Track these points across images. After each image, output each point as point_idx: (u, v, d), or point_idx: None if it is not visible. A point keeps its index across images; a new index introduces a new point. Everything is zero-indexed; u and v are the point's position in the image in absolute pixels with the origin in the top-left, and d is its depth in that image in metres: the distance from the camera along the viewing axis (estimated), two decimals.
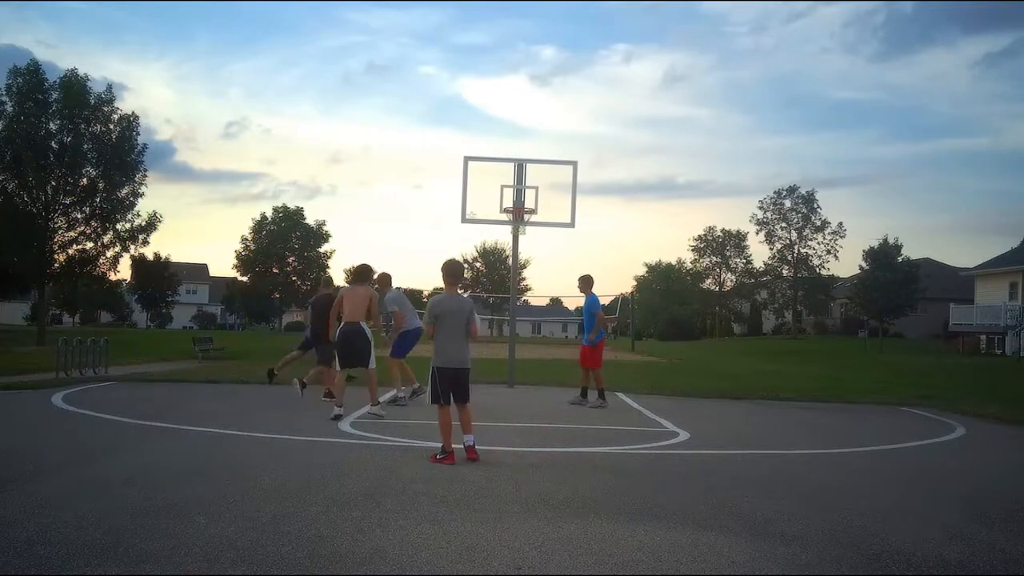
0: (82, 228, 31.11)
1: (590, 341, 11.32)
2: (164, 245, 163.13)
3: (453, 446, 6.60)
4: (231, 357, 21.30)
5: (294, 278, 62.95)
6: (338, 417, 8.94)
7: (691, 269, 73.15)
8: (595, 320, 11.32)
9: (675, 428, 9.13)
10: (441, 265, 6.87)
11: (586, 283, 11.46)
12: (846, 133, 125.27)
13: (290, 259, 62.64)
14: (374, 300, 9.53)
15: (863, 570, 3.94)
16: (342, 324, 9.34)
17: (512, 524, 4.55)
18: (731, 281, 70.24)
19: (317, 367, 11.36)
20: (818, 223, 56.59)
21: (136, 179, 31.50)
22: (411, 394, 10.88)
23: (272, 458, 6.63)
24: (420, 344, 10.52)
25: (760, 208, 58.22)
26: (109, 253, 31.84)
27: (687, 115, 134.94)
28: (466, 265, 73.46)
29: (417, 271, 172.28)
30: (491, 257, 72.81)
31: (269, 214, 63.24)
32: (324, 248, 63.53)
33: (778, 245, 57.83)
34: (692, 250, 71.29)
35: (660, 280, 74.53)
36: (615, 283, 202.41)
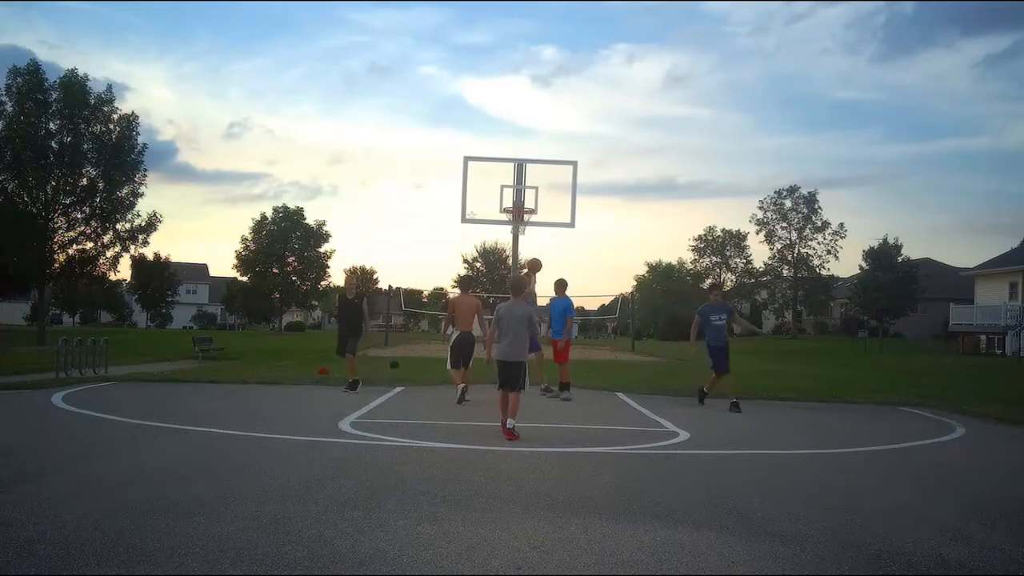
0: (82, 228, 31.09)
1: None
2: (164, 245, 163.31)
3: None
4: (231, 357, 21.30)
5: (294, 278, 62.97)
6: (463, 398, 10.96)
7: (691, 269, 73.11)
8: (566, 322, 12.51)
9: (675, 428, 9.13)
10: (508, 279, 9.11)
11: (561, 286, 12.52)
12: (846, 133, 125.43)
13: (290, 259, 62.63)
14: (479, 307, 11.44)
15: (863, 570, 3.94)
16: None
17: (512, 524, 4.55)
18: (731, 281, 70.19)
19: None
20: (819, 223, 56.58)
21: (136, 179, 31.49)
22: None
23: (272, 458, 6.64)
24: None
25: (760, 208, 58.24)
26: (109, 253, 31.82)
27: (688, 115, 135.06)
28: (465, 265, 73.55)
29: (417, 271, 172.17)
30: (491, 257, 72.82)
31: (269, 214, 63.30)
32: (324, 248, 63.60)
33: (778, 245, 57.83)
34: (692, 250, 71.24)
35: (660, 280, 74.49)
36: (615, 283, 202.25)
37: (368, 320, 13.03)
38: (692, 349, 12.41)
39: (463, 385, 11.19)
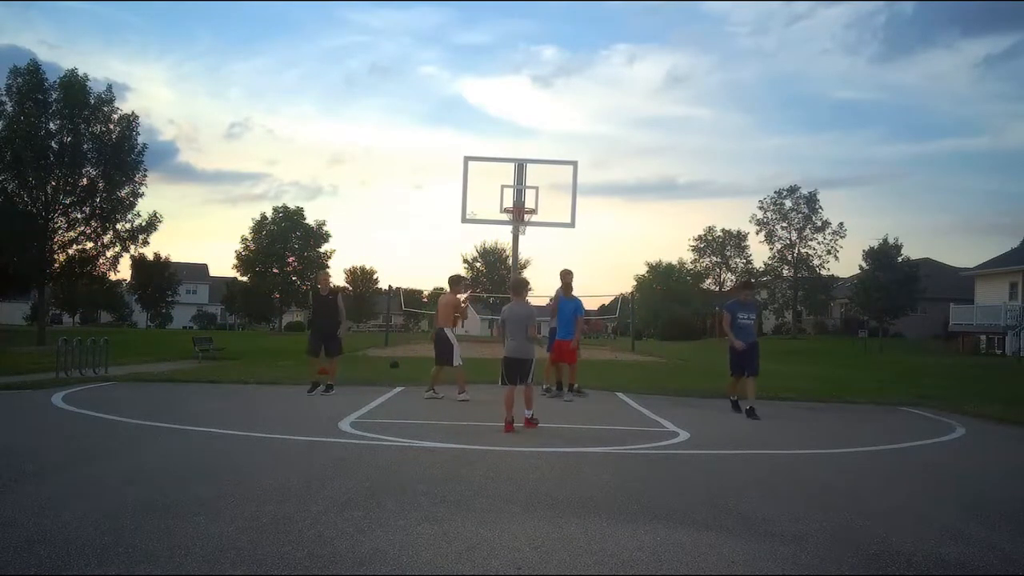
0: (82, 228, 31.09)
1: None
2: (164, 245, 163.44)
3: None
4: (231, 357, 21.30)
5: (294, 278, 63.00)
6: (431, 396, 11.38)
7: (691, 269, 73.14)
8: (578, 322, 12.07)
9: (675, 428, 9.13)
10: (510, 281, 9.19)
11: (570, 287, 12.10)
12: (846, 133, 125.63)
13: (290, 259, 62.66)
14: (457, 305, 11.85)
15: (863, 570, 3.94)
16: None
17: (512, 524, 4.55)
18: (731, 281, 70.16)
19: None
20: (819, 223, 56.55)
21: (136, 179, 31.51)
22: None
23: (272, 458, 6.64)
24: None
25: (760, 208, 58.23)
26: (109, 253, 31.82)
27: (688, 115, 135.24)
28: (466, 265, 73.59)
29: (417, 271, 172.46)
30: (491, 257, 72.78)
31: (269, 214, 63.35)
32: (324, 248, 63.64)
33: (778, 245, 57.81)
34: (692, 250, 71.31)
35: (661, 280, 74.51)
36: (615, 283, 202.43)
37: (345, 318, 12.47)
38: (738, 344, 10.91)
39: (432, 389, 11.65)
